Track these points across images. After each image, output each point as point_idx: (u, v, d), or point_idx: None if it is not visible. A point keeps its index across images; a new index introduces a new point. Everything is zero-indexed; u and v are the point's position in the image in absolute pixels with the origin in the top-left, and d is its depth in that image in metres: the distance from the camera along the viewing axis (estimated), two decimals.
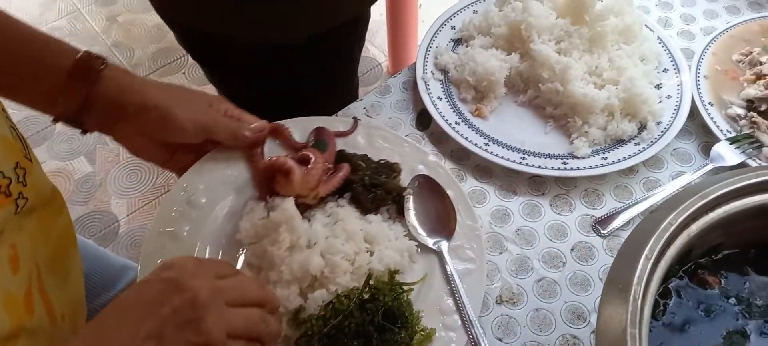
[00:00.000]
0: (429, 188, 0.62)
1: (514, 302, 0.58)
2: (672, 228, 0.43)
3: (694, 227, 0.45)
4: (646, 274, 0.40)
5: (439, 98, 0.73)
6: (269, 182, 0.60)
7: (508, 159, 0.67)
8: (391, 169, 0.63)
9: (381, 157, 0.64)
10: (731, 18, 0.80)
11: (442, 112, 0.72)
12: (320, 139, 0.65)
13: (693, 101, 0.69)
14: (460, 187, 0.63)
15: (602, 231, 0.62)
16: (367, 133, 0.67)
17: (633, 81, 0.68)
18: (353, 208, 0.60)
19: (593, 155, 0.67)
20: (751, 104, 0.67)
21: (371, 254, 0.57)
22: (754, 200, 0.45)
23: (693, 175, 0.64)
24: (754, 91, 0.67)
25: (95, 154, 1.77)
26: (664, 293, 0.47)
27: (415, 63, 0.77)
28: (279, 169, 0.59)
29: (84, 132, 0.59)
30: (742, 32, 0.75)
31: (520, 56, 0.74)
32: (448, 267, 0.57)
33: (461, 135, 0.69)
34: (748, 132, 0.65)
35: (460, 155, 0.70)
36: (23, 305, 0.48)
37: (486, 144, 0.68)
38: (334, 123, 0.67)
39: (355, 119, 0.67)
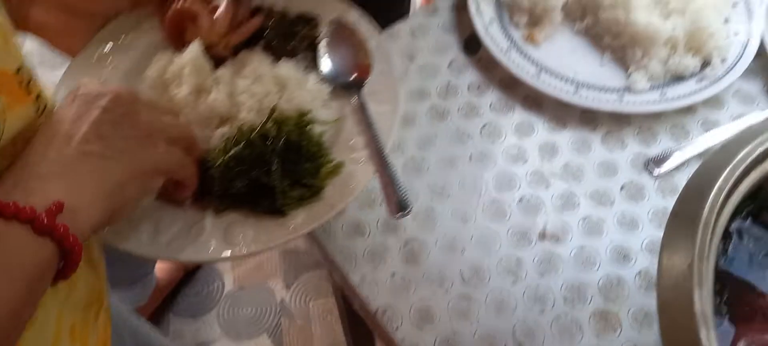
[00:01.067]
0: (345, 34, 0.61)
1: (557, 239, 0.57)
2: (748, 160, 0.40)
3: (757, 173, 0.43)
4: (718, 207, 0.38)
5: (491, 22, 0.70)
6: (179, 33, 0.60)
7: (560, 90, 0.64)
8: (308, 20, 0.62)
9: (300, 12, 0.63)
10: None
11: (492, 37, 0.68)
12: None
13: (762, 39, 0.65)
14: (379, 37, 0.61)
15: (655, 171, 0.60)
16: None
17: (701, 13, 0.63)
18: (266, 55, 0.59)
19: (651, 90, 0.64)
20: None
21: (281, 98, 0.56)
22: None
23: (755, 117, 0.61)
24: None
25: None
26: (724, 235, 0.45)
27: None
28: (185, 15, 0.58)
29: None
30: None
31: None
32: (355, 101, 0.57)
33: (512, 62, 0.66)
34: None
35: (509, 83, 0.67)
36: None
37: (538, 72, 0.66)
38: None
39: None
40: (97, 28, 0.61)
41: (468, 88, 0.68)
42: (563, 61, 0.67)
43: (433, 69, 0.69)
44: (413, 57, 0.70)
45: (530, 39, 0.69)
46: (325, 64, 0.59)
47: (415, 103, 0.66)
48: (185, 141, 0.49)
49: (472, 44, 0.71)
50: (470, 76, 0.69)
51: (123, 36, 0.61)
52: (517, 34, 0.70)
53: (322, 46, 0.60)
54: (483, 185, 0.60)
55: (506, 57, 0.67)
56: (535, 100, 0.66)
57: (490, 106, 0.66)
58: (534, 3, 0.69)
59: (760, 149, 0.40)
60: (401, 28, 0.73)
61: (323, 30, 0.61)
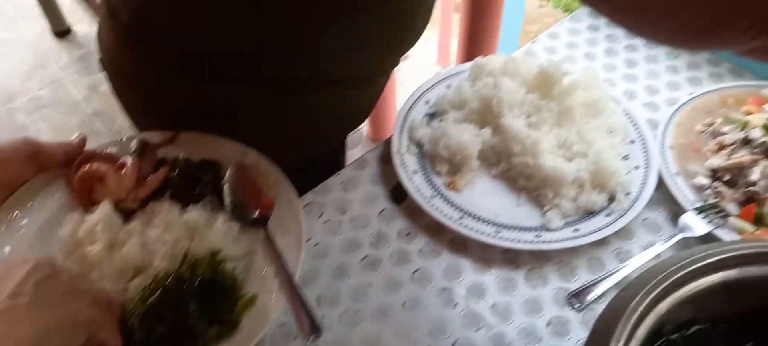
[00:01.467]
0: (247, 174, 0.66)
1: None
2: (640, 309, 0.43)
3: (663, 305, 0.46)
4: (623, 341, 0.40)
5: (415, 172, 0.75)
6: (88, 193, 0.62)
7: (483, 233, 0.68)
8: (211, 165, 0.66)
9: (202, 157, 0.67)
10: (693, 89, 0.83)
11: (417, 186, 0.73)
12: (139, 147, 0.67)
13: (660, 172, 0.71)
14: (279, 171, 0.66)
15: (577, 305, 0.62)
16: (189, 141, 0.70)
17: (601, 153, 0.70)
18: (174, 203, 0.63)
19: (565, 227, 0.68)
20: (715, 174, 0.69)
21: (192, 241, 0.59)
22: (716, 277, 0.46)
23: (662, 246, 0.65)
24: (717, 161, 0.69)
25: None
26: None
27: (391, 136, 0.79)
28: (93, 176, 0.62)
29: None
30: (704, 103, 0.78)
31: (492, 130, 0.75)
32: (262, 235, 0.60)
33: (436, 209, 0.70)
34: (713, 202, 0.67)
35: (435, 229, 0.71)
36: None
37: (460, 218, 0.69)
38: (155, 136, 0.70)
39: (175, 133, 0.70)
40: (4, 197, 0.63)
41: (398, 236, 0.71)
42: (483, 205, 0.71)
43: (364, 219, 0.72)
44: (345, 210, 0.73)
45: (452, 186, 0.74)
46: (231, 204, 0.63)
47: (349, 255, 0.69)
48: (104, 303, 0.51)
49: (398, 194, 0.75)
50: (399, 224, 0.72)
51: (30, 202, 0.64)
52: (440, 182, 0.74)
53: (227, 187, 0.64)
54: (418, 334, 0.62)
55: (430, 205, 0.71)
56: (460, 244, 0.69)
57: (419, 251, 0.69)
58: (452, 153, 0.74)
59: (650, 296, 0.43)
60: (333, 182, 0.77)
61: (226, 172, 0.66)
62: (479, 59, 0.82)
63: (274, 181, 0.65)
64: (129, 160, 0.64)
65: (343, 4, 0.61)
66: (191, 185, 0.64)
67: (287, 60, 0.67)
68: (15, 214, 0.62)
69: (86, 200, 0.63)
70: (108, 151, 0.68)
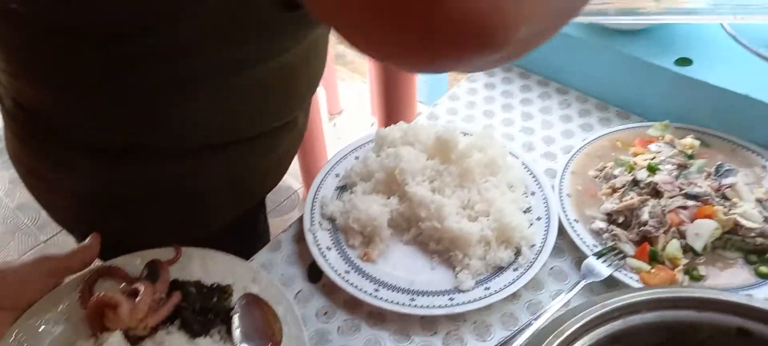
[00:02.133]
0: (256, 304, 0.65)
1: None
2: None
3: None
4: None
5: (328, 248, 0.75)
6: (99, 319, 0.62)
7: (398, 302, 0.68)
8: (222, 291, 0.66)
9: (214, 281, 0.67)
10: (586, 135, 0.88)
11: (331, 263, 0.73)
12: (152, 270, 0.67)
13: (560, 220, 0.74)
14: (289, 299, 0.66)
15: None
16: (201, 258, 0.70)
17: (502, 211, 0.72)
18: (183, 333, 0.62)
19: (477, 286, 0.69)
20: (610, 217, 0.73)
21: None
22: (606, 328, 0.48)
23: (569, 294, 0.67)
24: (610, 205, 0.73)
25: None
26: None
27: (303, 215, 0.79)
28: (106, 304, 0.61)
29: None
30: (595, 149, 0.82)
31: (399, 198, 0.77)
32: None
33: (351, 284, 0.70)
34: (611, 245, 0.70)
35: (352, 304, 0.71)
36: None
37: (376, 290, 0.70)
38: (167, 253, 0.70)
39: (177, 247, 0.70)
40: (16, 317, 0.63)
41: (316, 316, 0.70)
42: (399, 273, 0.72)
43: None
44: None
45: (366, 257, 0.74)
46: (239, 337, 0.62)
47: None
48: None
49: (314, 273, 0.75)
50: (317, 303, 0.72)
51: (40, 323, 0.63)
52: (354, 255, 0.75)
53: (236, 319, 0.63)
54: None
55: (346, 280, 0.71)
56: (378, 316, 0.69)
57: (338, 329, 0.69)
58: (363, 225, 0.75)
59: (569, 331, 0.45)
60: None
61: (235, 302, 0.65)
62: (380, 130, 0.84)
63: (283, 311, 0.65)
64: (141, 287, 0.63)
65: (211, 67, 0.62)
66: (201, 313, 0.63)
67: (162, 132, 0.67)
68: (23, 336, 0.62)
69: (97, 325, 0.61)
70: (120, 267, 0.68)
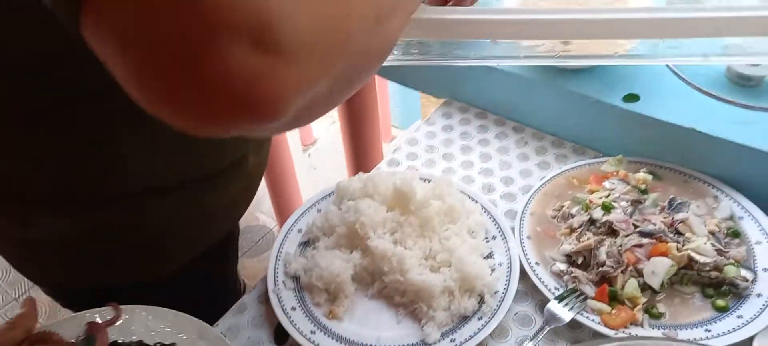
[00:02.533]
0: None
1: None
2: None
3: None
4: None
5: (293, 308, 0.74)
6: None
7: None
8: None
9: (156, 341, 0.66)
10: (543, 173, 0.89)
11: (296, 324, 0.72)
12: (89, 334, 0.66)
13: (521, 264, 0.75)
14: None
15: None
16: (145, 316, 0.68)
17: (463, 260, 0.73)
18: None
19: (443, 338, 0.69)
20: (569, 259, 0.74)
21: None
22: None
23: (533, 341, 0.68)
24: (569, 246, 0.74)
25: None
26: None
27: (266, 275, 0.78)
28: None
29: None
30: (553, 188, 0.83)
31: (362, 253, 0.77)
32: None
33: (318, 345, 0.70)
34: (572, 287, 0.71)
35: None
36: None
37: None
38: (106, 313, 0.68)
39: (116, 306, 0.69)
40: None
41: None
42: (365, 329, 0.72)
43: None
44: None
45: (332, 315, 0.74)
46: None
47: None
48: None
49: (281, 334, 0.74)
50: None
51: None
52: (320, 313, 0.74)
53: None
54: None
55: (311, 342, 0.70)
56: None
57: None
58: (327, 282, 0.75)
59: None
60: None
61: None
62: (340, 182, 0.85)
63: None
64: None
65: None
66: None
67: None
68: None
69: None
70: (56, 333, 0.66)
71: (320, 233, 0.82)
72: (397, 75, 1.10)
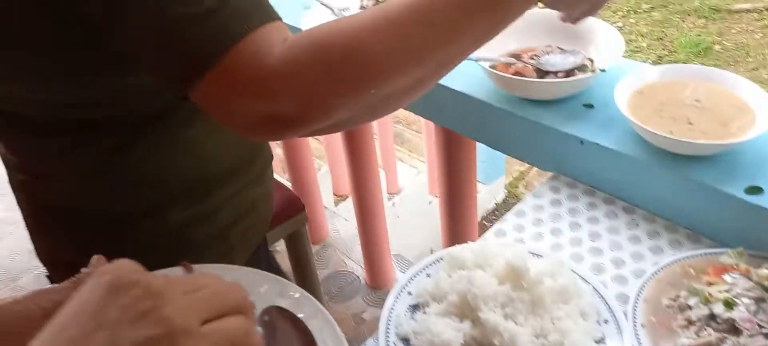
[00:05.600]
0: (284, 319, 0.58)
1: None
2: None
3: None
4: None
5: None
6: None
7: None
8: None
9: None
10: (656, 258, 0.88)
11: None
12: None
13: None
14: (326, 314, 0.58)
15: None
16: (218, 273, 0.61)
17: (576, 343, 0.73)
18: None
19: None
20: None
21: None
22: None
23: None
24: (687, 339, 0.73)
25: None
26: None
27: (377, 332, 0.81)
28: None
29: None
30: (667, 276, 0.82)
31: (472, 323, 0.79)
32: None
33: None
34: None
35: None
36: None
37: None
38: (176, 272, 0.62)
39: (186, 265, 0.60)
40: None
41: None
42: None
43: None
44: None
45: None
46: None
47: None
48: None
49: None
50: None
51: None
52: None
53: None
54: None
55: None
56: None
57: None
58: None
59: None
60: None
61: (257, 318, 0.56)
62: (452, 251, 0.87)
63: (319, 326, 0.56)
64: None
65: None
66: None
67: None
68: None
69: None
70: None
71: (430, 299, 0.84)
72: (507, 146, 1.13)
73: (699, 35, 4.51)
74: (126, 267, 0.39)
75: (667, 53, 4.38)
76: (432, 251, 3.50)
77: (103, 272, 0.39)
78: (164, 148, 0.81)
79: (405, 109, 1.40)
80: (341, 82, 0.56)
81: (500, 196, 4.04)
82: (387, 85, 0.57)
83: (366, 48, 0.55)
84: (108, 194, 0.82)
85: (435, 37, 0.56)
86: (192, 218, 0.87)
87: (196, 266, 0.64)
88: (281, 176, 2.58)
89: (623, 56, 1.05)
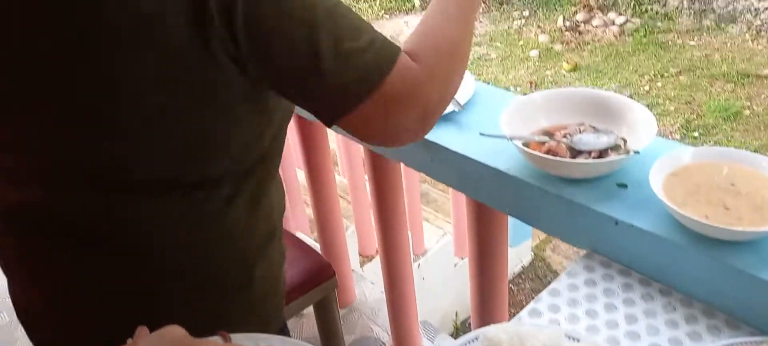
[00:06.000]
0: None
1: None
2: None
3: None
4: None
5: None
6: None
7: None
8: None
9: None
10: (694, 344, 0.87)
11: None
12: None
13: None
14: None
15: None
16: (254, 344, 0.67)
17: None
18: None
19: None
20: None
21: None
22: None
23: None
24: None
25: None
26: None
27: None
28: None
29: None
30: None
31: None
32: None
33: None
34: None
35: None
36: None
37: None
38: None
39: (224, 335, 0.61)
40: None
41: None
42: None
43: None
44: None
45: None
46: None
47: None
48: None
49: None
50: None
51: None
52: None
53: None
54: None
55: None
56: None
57: None
58: None
59: None
60: None
61: None
62: (487, 332, 0.87)
63: None
64: None
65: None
66: None
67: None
68: None
69: None
70: None
71: None
72: (540, 222, 1.13)
73: (727, 100, 4.49)
74: (177, 333, 0.45)
75: (695, 117, 4.37)
76: (457, 314, 3.45)
77: (162, 335, 0.44)
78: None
79: (438, 179, 1.43)
80: (458, 63, 0.81)
81: (526, 258, 4.00)
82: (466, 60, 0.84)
83: (458, 38, 0.81)
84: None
85: (463, 27, 0.82)
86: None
87: (235, 336, 0.66)
88: (309, 236, 2.60)
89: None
